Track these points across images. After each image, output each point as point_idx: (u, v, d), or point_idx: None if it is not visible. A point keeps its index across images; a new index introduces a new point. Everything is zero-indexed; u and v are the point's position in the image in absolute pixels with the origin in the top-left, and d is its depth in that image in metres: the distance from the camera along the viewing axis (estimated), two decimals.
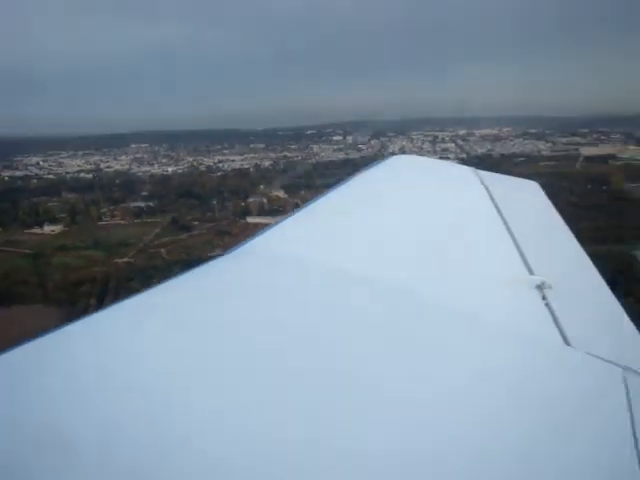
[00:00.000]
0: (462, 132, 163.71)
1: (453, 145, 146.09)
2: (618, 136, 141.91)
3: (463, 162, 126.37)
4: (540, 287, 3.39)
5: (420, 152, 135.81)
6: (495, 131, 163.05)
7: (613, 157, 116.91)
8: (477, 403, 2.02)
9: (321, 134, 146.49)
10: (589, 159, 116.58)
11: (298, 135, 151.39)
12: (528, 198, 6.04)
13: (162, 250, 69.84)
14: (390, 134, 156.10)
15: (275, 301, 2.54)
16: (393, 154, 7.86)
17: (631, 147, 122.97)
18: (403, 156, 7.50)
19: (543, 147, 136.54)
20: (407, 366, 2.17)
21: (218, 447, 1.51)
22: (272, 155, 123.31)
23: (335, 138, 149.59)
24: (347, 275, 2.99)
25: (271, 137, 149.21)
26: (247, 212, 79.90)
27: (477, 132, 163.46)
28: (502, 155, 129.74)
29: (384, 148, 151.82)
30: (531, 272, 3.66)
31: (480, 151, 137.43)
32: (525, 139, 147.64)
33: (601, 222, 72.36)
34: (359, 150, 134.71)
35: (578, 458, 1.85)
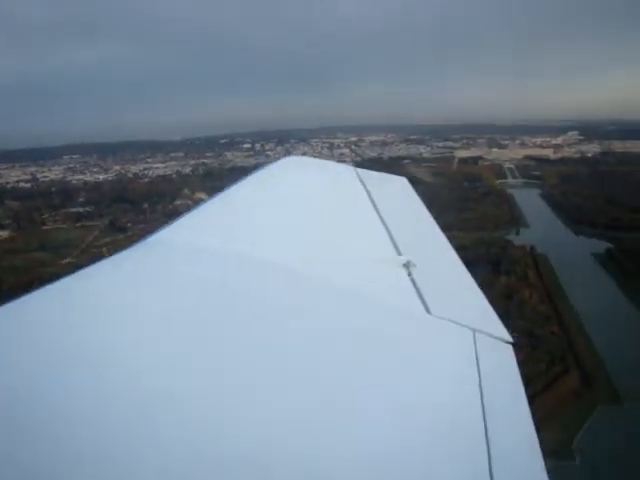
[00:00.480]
0: (354, 139, 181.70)
1: (348, 150, 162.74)
2: (484, 141, 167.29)
3: (358, 164, 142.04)
4: (406, 265, 3.63)
5: (320, 156, 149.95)
6: (382, 137, 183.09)
7: (481, 158, 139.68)
8: (351, 364, 2.24)
9: (233, 142, 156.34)
10: (463, 160, 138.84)
11: (212, 144, 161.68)
12: (398, 192, 6.45)
13: (103, 249, 75.69)
14: (292, 141, 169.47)
15: (176, 286, 2.60)
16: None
17: (494, 150, 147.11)
18: (294, 157, 7.73)
19: (423, 151, 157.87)
20: (292, 333, 2.31)
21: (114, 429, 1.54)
22: (191, 162, 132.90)
23: (245, 146, 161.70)
24: (243, 260, 3.12)
25: (188, 146, 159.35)
26: (175, 213, 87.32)
27: (366, 139, 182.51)
28: (390, 158, 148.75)
29: (288, 153, 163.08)
30: (399, 253, 3.93)
31: (371, 155, 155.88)
32: (408, 144, 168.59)
33: (479, 213, 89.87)
34: (267, 156, 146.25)
35: (432, 408, 2.11)
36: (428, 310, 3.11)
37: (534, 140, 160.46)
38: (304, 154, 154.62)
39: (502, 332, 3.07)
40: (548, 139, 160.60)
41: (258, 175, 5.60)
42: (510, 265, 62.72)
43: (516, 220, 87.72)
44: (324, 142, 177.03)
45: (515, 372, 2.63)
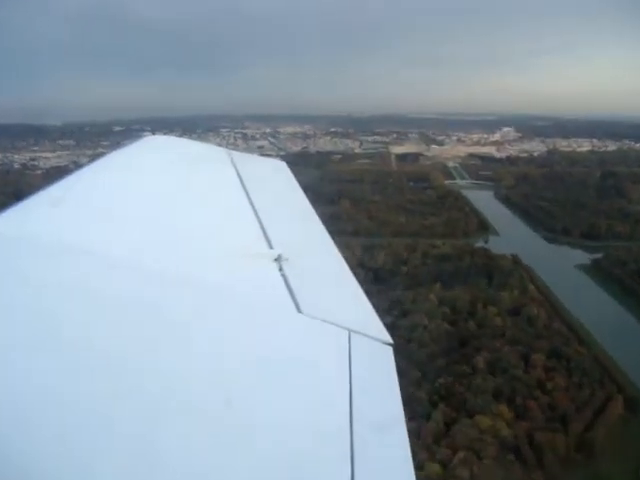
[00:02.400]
0: (268, 130, 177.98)
1: (267, 142, 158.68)
2: (415, 136, 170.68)
3: (283, 160, 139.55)
4: (277, 260, 3.77)
5: (237, 149, 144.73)
6: (299, 129, 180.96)
7: (421, 155, 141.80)
8: (218, 366, 2.38)
9: (129, 130, 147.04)
10: (400, 157, 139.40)
11: (105, 131, 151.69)
12: (275, 177, 6.70)
13: None
14: (199, 130, 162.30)
15: (10, 279, 2.69)
16: None
17: (433, 146, 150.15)
18: (157, 136, 7.72)
19: (353, 145, 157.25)
20: (136, 338, 2.37)
21: None
22: (88, 152, 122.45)
23: (145, 134, 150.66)
24: (79, 254, 3.12)
25: (77, 133, 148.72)
26: None
27: (282, 130, 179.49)
28: (318, 152, 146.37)
29: None
30: (270, 246, 4.06)
31: (295, 148, 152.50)
32: (332, 137, 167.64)
33: (442, 218, 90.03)
34: None
35: (301, 411, 2.27)
36: (299, 309, 3.15)
37: (471, 136, 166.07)
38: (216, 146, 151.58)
39: (381, 333, 3.14)
40: (485, 135, 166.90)
41: (112, 157, 5.64)
42: (504, 277, 62.80)
43: (483, 227, 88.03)
44: (236, 132, 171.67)
45: (392, 377, 2.71)
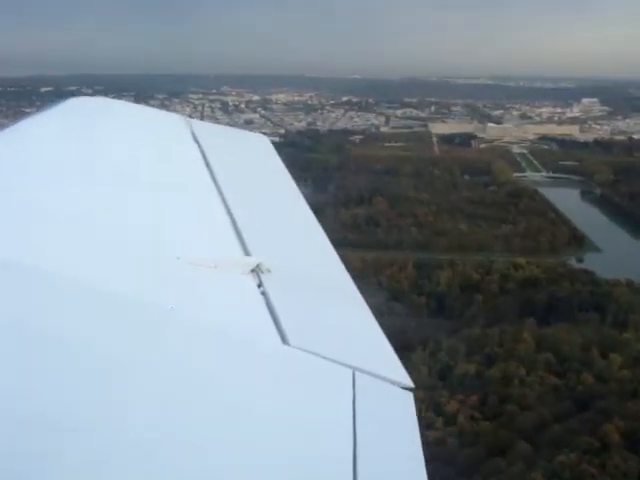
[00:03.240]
0: (256, 97, 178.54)
1: (256, 116, 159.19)
2: (460, 109, 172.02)
3: (283, 140, 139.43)
4: (256, 271, 3.75)
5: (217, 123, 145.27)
6: (298, 96, 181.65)
7: (474, 137, 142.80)
8: (175, 427, 2.38)
9: (63, 93, 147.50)
10: (446, 139, 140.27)
11: (31, 93, 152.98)
12: (253, 156, 6.78)
13: None
14: (161, 96, 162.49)
15: None
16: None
17: (491, 125, 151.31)
18: (85, 98, 7.88)
19: (377, 121, 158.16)
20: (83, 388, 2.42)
21: None
22: (3, 121, 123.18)
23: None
24: None
25: None
26: None
27: (275, 97, 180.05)
28: (330, 131, 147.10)
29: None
30: (246, 251, 4.05)
31: (297, 125, 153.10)
32: (347, 109, 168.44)
33: (509, 227, 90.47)
34: None
35: (301, 466, 2.38)
36: (285, 340, 3.13)
37: (539, 110, 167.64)
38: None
39: (398, 373, 3.14)
40: (559, 109, 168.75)
41: (24, 125, 5.88)
42: (621, 312, 62.27)
43: (577, 239, 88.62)
44: (212, 100, 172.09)
45: (412, 433, 2.69)
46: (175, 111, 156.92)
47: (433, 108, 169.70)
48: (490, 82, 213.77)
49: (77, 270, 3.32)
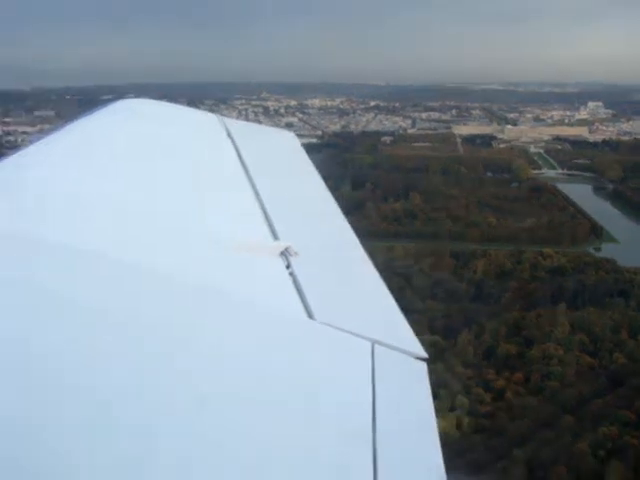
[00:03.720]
0: (293, 102, 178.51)
1: (295, 119, 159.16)
2: (479, 112, 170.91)
3: (321, 141, 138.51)
4: (284, 254, 3.78)
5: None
6: (330, 102, 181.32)
7: (494, 138, 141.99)
8: (221, 388, 2.47)
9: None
10: (468, 140, 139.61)
11: (93, 100, 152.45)
12: (282, 152, 6.75)
13: None
14: (209, 102, 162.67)
15: None
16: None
17: (509, 127, 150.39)
18: (132, 99, 7.91)
19: (404, 124, 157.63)
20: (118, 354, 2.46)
21: None
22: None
23: None
24: (48, 247, 3.18)
25: (54, 102, 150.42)
26: None
27: (310, 102, 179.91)
28: (363, 133, 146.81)
29: None
30: (275, 236, 4.07)
31: (333, 127, 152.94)
32: (376, 113, 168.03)
33: (533, 219, 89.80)
34: None
35: (323, 429, 2.40)
36: (311, 315, 3.17)
37: (550, 113, 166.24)
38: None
39: (413, 345, 3.14)
40: (568, 112, 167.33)
41: (74, 125, 5.73)
42: None
43: (595, 231, 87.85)
44: (254, 105, 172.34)
45: (426, 400, 2.71)
46: (222, 115, 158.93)
47: (454, 111, 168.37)
48: (503, 87, 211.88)
49: (138, 255, 3.42)
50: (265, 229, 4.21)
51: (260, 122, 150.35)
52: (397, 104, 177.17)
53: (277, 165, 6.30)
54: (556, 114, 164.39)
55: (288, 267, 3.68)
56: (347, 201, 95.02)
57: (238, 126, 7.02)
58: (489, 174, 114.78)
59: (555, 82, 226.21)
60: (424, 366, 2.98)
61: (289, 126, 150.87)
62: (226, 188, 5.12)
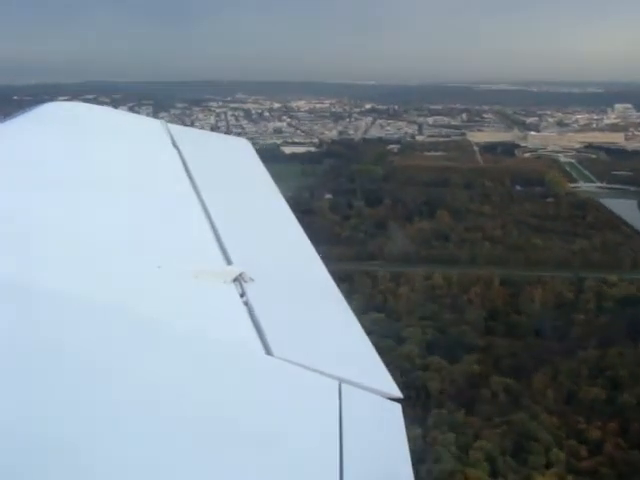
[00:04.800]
0: (276, 105, 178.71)
1: (284, 124, 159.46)
2: (492, 116, 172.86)
3: (319, 150, 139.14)
4: (238, 280, 3.80)
5: (241, 133, 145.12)
6: (320, 104, 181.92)
7: (516, 146, 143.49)
8: (163, 429, 2.50)
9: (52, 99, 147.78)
10: (487, 149, 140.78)
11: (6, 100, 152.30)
12: (235, 163, 6.89)
13: None
14: (179, 105, 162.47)
15: None
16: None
17: (532, 133, 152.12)
18: (61, 103, 7.88)
19: (409, 129, 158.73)
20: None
21: None
22: None
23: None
24: None
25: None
26: None
27: (295, 104, 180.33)
28: (365, 140, 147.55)
29: (186, 125, 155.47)
30: (228, 260, 4.10)
31: (328, 133, 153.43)
32: (376, 117, 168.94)
33: (583, 241, 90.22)
34: None
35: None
36: (269, 350, 3.19)
37: (574, 117, 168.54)
38: (214, 128, 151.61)
39: (386, 384, 3.18)
40: (594, 116, 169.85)
41: (3, 129, 5.99)
42: None
43: None
44: (232, 108, 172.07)
45: (401, 447, 2.73)
46: (199, 120, 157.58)
47: (464, 116, 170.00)
48: (513, 88, 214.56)
49: (55, 281, 3.39)
50: (216, 252, 4.24)
51: (243, 128, 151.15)
52: (396, 107, 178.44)
53: (230, 177, 6.40)
54: (581, 118, 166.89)
55: (242, 295, 3.72)
56: (364, 220, 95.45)
57: (185, 133, 7.19)
58: (517, 187, 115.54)
59: (572, 81, 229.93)
60: (398, 408, 3.00)
61: (277, 132, 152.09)
62: (170, 205, 5.14)
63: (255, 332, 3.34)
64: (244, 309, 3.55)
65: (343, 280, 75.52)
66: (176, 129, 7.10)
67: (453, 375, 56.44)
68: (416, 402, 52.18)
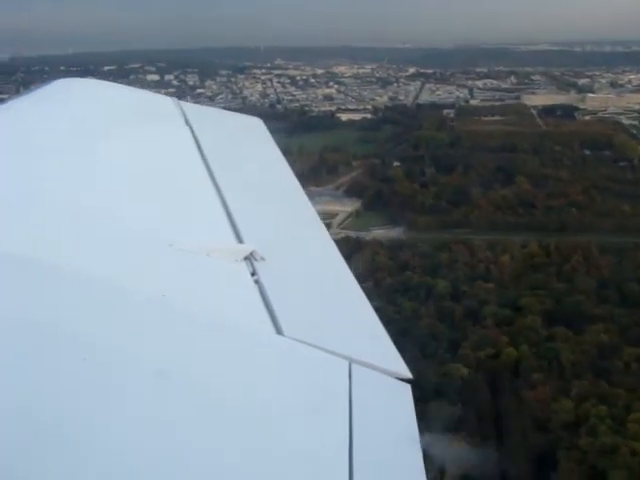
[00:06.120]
0: (320, 70, 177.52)
1: (333, 90, 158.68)
2: (541, 78, 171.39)
3: (376, 117, 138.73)
4: (249, 259, 3.84)
5: (298, 102, 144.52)
6: (363, 69, 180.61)
7: (575, 109, 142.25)
8: (175, 414, 2.52)
9: (96, 69, 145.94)
10: (546, 112, 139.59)
11: (51, 69, 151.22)
12: (247, 141, 6.91)
13: None
14: (224, 72, 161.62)
15: None
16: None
17: (590, 95, 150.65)
18: (72, 79, 7.86)
19: (459, 93, 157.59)
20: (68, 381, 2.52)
21: None
22: None
23: (150, 77, 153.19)
24: None
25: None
26: None
27: (338, 69, 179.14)
28: (418, 105, 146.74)
29: (232, 93, 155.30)
30: (239, 239, 4.13)
31: (380, 99, 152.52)
32: (424, 82, 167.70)
33: None
34: (211, 99, 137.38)
35: (294, 460, 2.47)
36: (279, 330, 3.24)
37: (625, 77, 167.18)
38: (263, 98, 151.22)
39: (396, 364, 3.23)
40: None
41: (9, 106, 6.10)
42: None
43: None
44: (277, 75, 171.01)
45: (411, 427, 2.79)
46: (246, 88, 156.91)
47: (513, 77, 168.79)
48: (554, 48, 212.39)
49: (68, 259, 3.40)
50: (227, 230, 4.27)
51: (293, 95, 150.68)
52: (436, 70, 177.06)
53: (243, 156, 6.39)
54: (634, 78, 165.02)
55: (253, 274, 3.75)
56: (444, 188, 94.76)
57: (198, 112, 7.18)
58: (586, 152, 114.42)
59: (615, 40, 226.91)
60: (408, 387, 3.04)
61: (328, 99, 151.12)
62: (182, 183, 5.17)
63: (266, 311, 3.37)
64: (255, 288, 3.59)
65: (439, 249, 76.00)
66: (188, 107, 7.09)
67: (583, 346, 55.90)
68: (551, 374, 52.22)
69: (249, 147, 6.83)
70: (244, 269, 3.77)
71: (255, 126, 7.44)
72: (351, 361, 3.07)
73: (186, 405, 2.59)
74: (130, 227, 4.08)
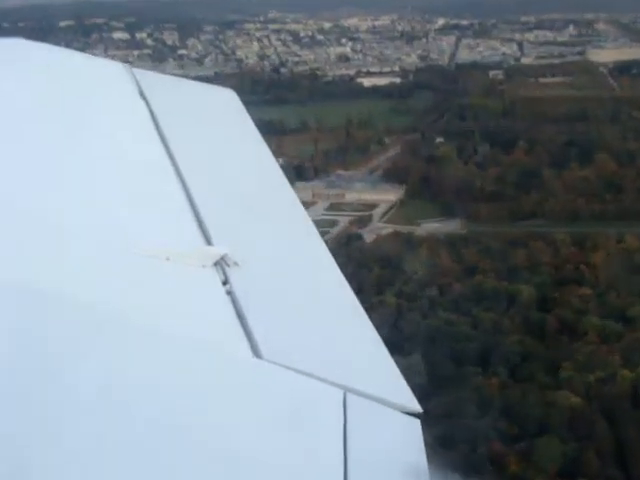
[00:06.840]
0: (328, 24, 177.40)
1: (348, 49, 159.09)
2: (602, 26, 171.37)
3: (405, 80, 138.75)
4: (220, 264, 3.93)
5: (306, 65, 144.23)
6: (385, 21, 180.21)
7: None
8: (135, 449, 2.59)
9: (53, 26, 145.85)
10: (619, 70, 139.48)
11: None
12: (216, 118, 7.11)
13: None
14: (208, 28, 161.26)
15: None
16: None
17: None
18: (11, 40, 8.01)
19: (507, 50, 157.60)
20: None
21: None
22: None
23: (116, 35, 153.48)
24: None
25: None
26: None
27: (349, 23, 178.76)
28: (457, 66, 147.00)
29: (225, 56, 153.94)
30: (208, 240, 4.23)
31: (408, 59, 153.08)
32: (459, 36, 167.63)
33: None
34: (202, 64, 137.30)
35: None
36: (257, 352, 3.25)
37: None
38: (262, 60, 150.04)
39: (401, 395, 3.28)
40: None
41: None
42: None
43: None
44: (275, 31, 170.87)
45: (421, 467, 2.84)
46: (239, 47, 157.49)
47: (572, 29, 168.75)
48: None
49: (8, 268, 3.41)
50: (194, 229, 4.33)
51: (298, 55, 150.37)
52: (473, 20, 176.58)
53: (211, 137, 6.47)
54: None
55: (225, 283, 3.80)
56: (506, 169, 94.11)
57: (154, 81, 7.24)
58: None
59: None
60: (417, 423, 3.09)
61: (343, 60, 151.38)
62: (137, 171, 5.19)
63: (240, 329, 3.40)
64: (227, 300, 3.63)
65: (513, 246, 75.73)
66: (143, 75, 7.07)
67: None
68: None
69: (218, 125, 6.88)
70: (214, 276, 3.83)
71: (225, 99, 7.46)
72: (346, 390, 3.11)
73: (143, 443, 2.60)
74: (76, 226, 4.10)
